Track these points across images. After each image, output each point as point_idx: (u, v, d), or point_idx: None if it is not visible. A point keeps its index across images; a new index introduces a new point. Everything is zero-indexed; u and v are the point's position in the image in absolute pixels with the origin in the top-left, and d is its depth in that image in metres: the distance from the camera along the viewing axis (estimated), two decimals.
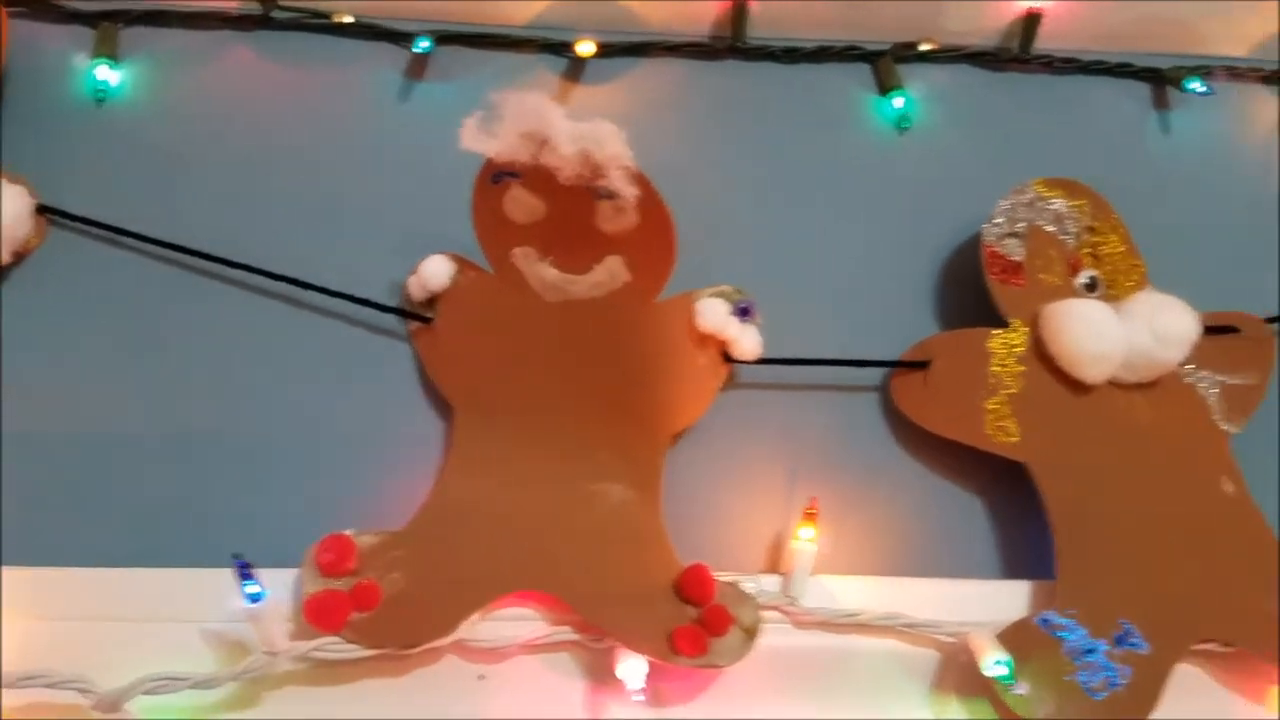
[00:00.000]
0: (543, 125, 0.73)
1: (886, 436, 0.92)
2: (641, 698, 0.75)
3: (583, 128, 0.74)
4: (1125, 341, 0.86)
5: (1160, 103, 1.07)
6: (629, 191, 0.77)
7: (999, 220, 0.91)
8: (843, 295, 0.97)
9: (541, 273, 0.83)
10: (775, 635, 0.81)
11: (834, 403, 0.93)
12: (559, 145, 0.74)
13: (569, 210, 0.80)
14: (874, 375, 0.93)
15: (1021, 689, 0.76)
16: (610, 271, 0.83)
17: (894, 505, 0.90)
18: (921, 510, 0.90)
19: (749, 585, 0.80)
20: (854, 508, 0.89)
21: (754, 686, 0.80)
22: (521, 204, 0.80)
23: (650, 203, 0.80)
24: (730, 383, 0.91)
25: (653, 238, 0.82)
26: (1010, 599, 0.83)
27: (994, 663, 0.75)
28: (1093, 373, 0.86)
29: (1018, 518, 0.88)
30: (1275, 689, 0.81)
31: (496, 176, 0.79)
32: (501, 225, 0.82)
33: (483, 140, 0.74)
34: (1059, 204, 0.93)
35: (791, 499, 0.88)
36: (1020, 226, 0.91)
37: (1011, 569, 0.88)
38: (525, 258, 0.83)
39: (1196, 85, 1.03)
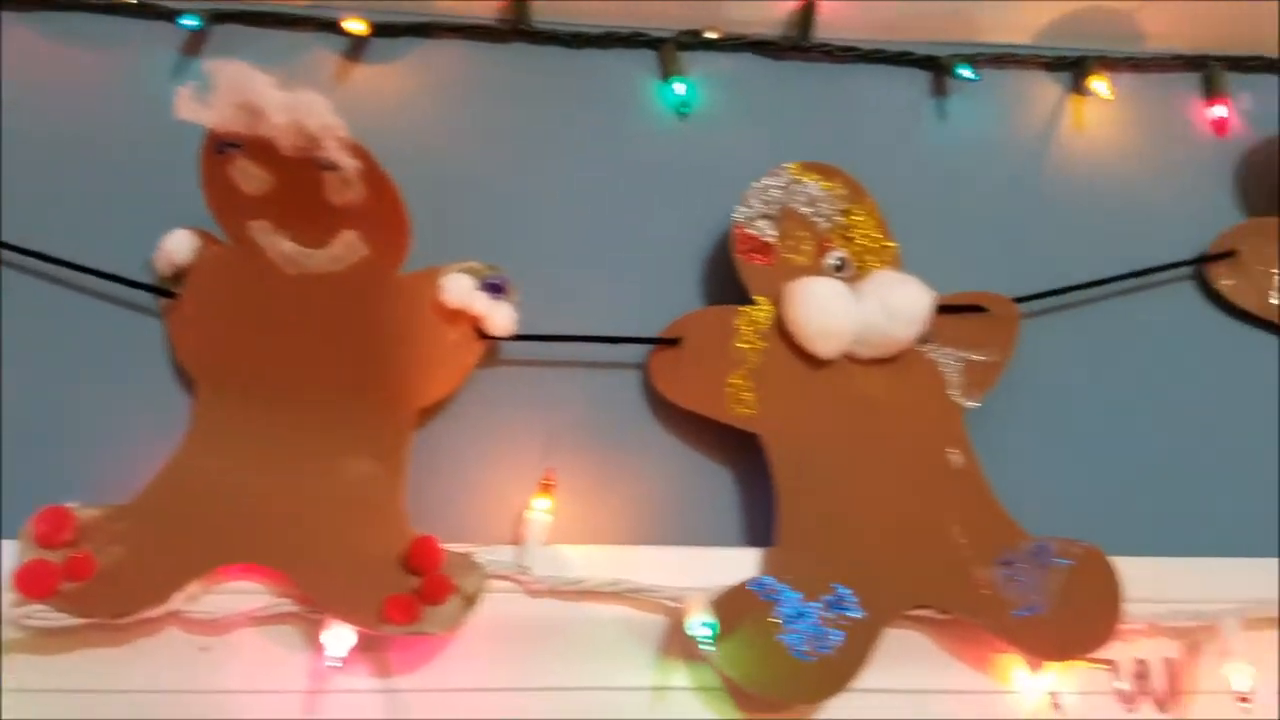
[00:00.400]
0: (252, 95, 0.73)
1: (645, 412, 0.93)
2: (339, 664, 0.75)
3: (292, 97, 0.74)
4: (856, 317, 0.87)
5: (939, 90, 1.10)
6: (348, 163, 0.77)
7: (752, 202, 0.93)
8: (617, 275, 0.98)
9: (279, 246, 0.84)
10: (509, 604, 0.82)
11: (598, 380, 0.94)
12: (270, 115, 0.74)
13: (296, 182, 0.80)
14: (638, 353, 0.94)
15: (709, 649, 0.77)
16: (348, 245, 0.84)
17: (648, 478, 0.91)
18: (674, 483, 0.91)
19: (484, 555, 0.81)
20: (610, 481, 0.90)
21: (486, 654, 0.81)
22: (249, 175, 0.80)
23: (374, 175, 0.80)
24: (492, 359, 0.92)
25: (383, 211, 0.82)
26: (743, 565, 0.84)
27: (698, 624, 0.76)
28: (824, 347, 0.87)
29: (765, 489, 0.89)
30: (999, 657, 0.83)
31: (220, 147, 0.79)
32: (233, 197, 0.82)
33: (196, 110, 0.74)
34: (814, 187, 0.94)
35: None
36: (773, 208, 0.93)
37: (757, 538, 0.89)
38: (262, 230, 0.83)
39: (965, 72, 1.06)
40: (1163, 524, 0.92)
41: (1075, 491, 0.93)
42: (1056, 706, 0.81)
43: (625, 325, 0.94)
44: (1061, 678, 0.82)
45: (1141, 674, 0.81)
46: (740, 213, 0.93)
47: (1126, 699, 0.80)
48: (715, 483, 0.91)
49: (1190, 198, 1.07)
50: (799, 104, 1.08)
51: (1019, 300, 0.96)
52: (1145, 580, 0.84)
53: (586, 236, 1.00)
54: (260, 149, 0.78)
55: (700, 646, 0.77)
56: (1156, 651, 0.83)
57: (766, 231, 0.92)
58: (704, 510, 0.90)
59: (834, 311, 0.87)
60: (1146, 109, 1.11)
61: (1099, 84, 1.08)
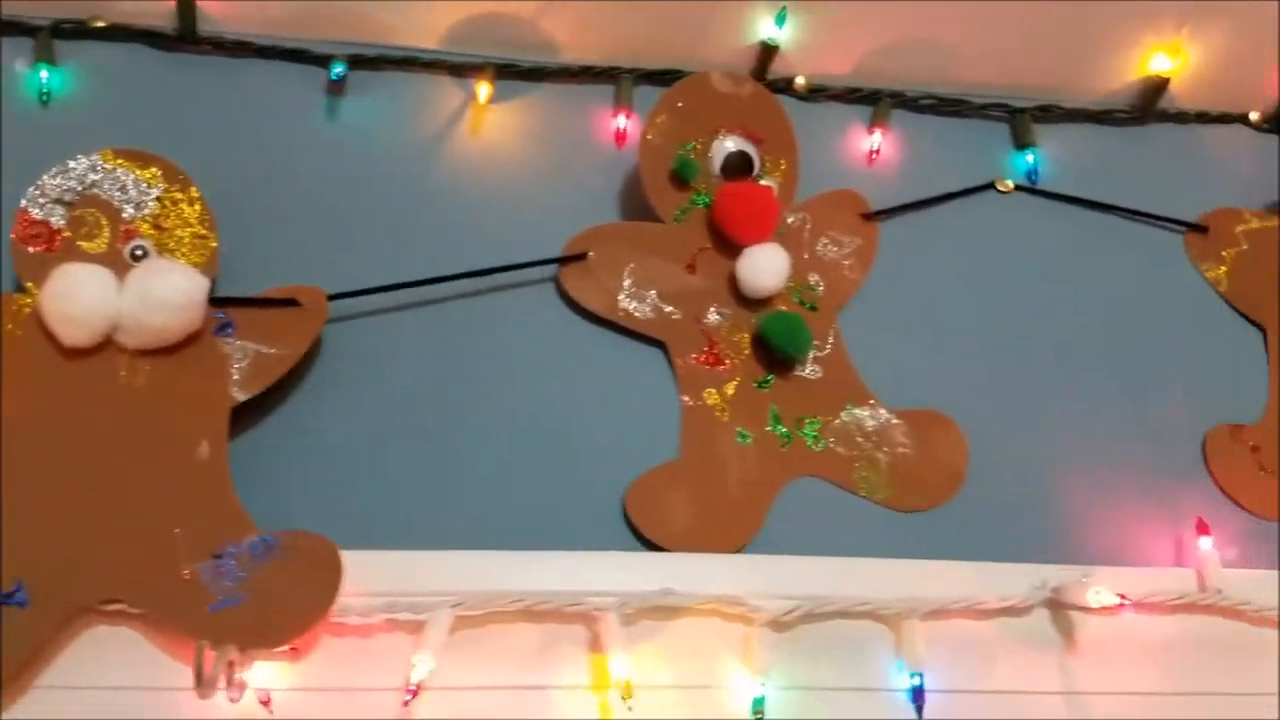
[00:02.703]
0: None
1: None
2: None
3: None
4: (111, 305, 0.85)
5: (336, 90, 1.10)
6: None
7: (47, 186, 0.90)
8: None
9: None
10: None
11: None
12: None
13: None
14: None
15: None
16: None
17: None
18: None
19: None
20: None
21: None
22: None
23: None
24: None
25: None
26: None
27: None
28: (71, 335, 0.85)
29: None
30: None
31: None
32: None
33: None
34: (125, 173, 0.92)
35: None
36: (71, 194, 0.91)
37: None
38: None
39: (339, 69, 1.06)
40: (451, 519, 0.93)
41: (370, 487, 0.94)
42: (266, 705, 0.80)
43: None
44: (277, 674, 0.81)
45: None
46: (31, 198, 0.90)
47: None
48: None
49: (577, 206, 1.09)
50: (182, 97, 1.06)
51: (339, 296, 0.95)
52: (394, 573, 0.85)
53: None
54: None
55: None
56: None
57: (56, 217, 0.90)
58: None
59: (77, 298, 0.85)
60: (552, 118, 1.13)
61: (483, 89, 1.09)
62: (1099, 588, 0.88)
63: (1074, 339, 1.11)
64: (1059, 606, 0.93)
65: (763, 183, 1.07)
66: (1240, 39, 1.20)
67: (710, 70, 1.08)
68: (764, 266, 1.02)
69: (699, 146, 1.05)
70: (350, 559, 0.84)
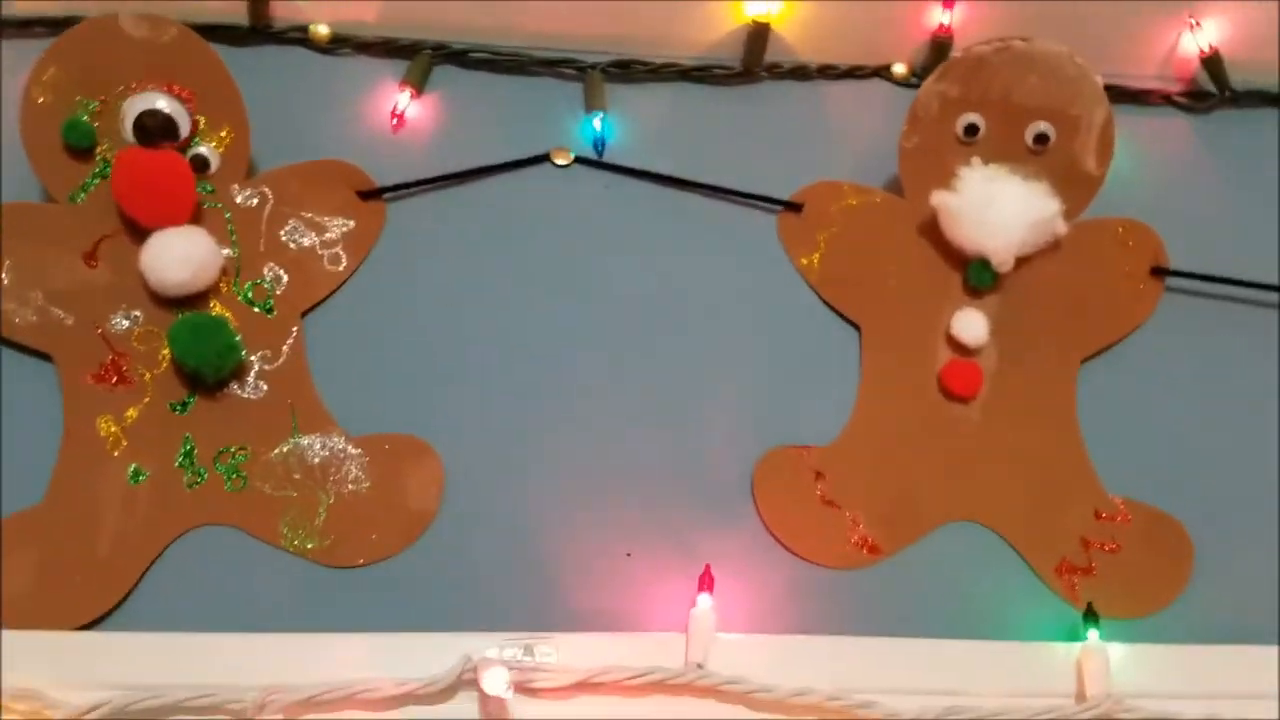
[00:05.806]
0: None
1: None
2: None
3: None
4: None
5: None
6: None
7: None
8: None
9: None
10: None
11: None
12: None
13: None
14: None
15: None
16: None
17: None
18: None
19: None
20: None
21: None
22: None
23: None
24: None
25: None
26: None
27: None
28: None
29: None
30: None
31: None
32: None
33: None
34: None
35: None
36: None
37: None
38: None
39: None
40: None
41: None
42: None
43: None
44: None
45: None
46: None
47: None
48: None
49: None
50: None
51: None
52: None
53: None
54: None
55: None
56: None
57: None
58: None
59: None
60: None
61: None
62: (497, 669, 0.68)
63: (618, 345, 0.90)
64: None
65: (198, 150, 0.85)
66: None
67: (120, 11, 0.85)
68: (172, 255, 0.81)
69: (102, 106, 0.84)
70: None
